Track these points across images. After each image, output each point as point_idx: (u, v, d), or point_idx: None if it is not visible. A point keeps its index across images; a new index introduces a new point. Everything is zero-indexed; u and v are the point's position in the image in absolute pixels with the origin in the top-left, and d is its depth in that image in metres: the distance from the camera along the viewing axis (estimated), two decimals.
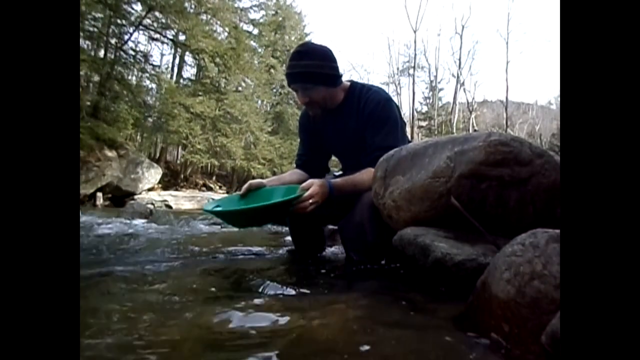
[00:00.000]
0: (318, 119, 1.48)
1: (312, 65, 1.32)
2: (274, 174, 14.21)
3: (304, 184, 1.25)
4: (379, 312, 0.73)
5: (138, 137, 13.96)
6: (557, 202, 0.92)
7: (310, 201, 1.20)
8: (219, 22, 11.97)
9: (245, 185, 1.38)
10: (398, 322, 0.65)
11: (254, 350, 0.53)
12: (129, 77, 10.45)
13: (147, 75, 11.14)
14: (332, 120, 1.47)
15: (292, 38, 17.59)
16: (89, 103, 8.46)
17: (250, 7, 15.18)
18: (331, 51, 1.40)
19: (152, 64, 11.47)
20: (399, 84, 23.64)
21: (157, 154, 14.15)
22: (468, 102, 21.75)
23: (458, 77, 21.38)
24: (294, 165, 1.66)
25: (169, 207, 8.77)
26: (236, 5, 13.98)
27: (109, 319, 0.65)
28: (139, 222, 3.28)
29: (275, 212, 1.22)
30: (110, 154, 8.37)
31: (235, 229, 2.96)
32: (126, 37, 9.66)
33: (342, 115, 1.44)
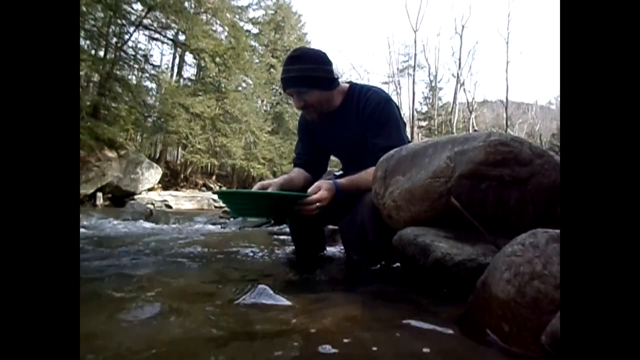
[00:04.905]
0: (316, 123, 1.48)
1: (305, 69, 1.32)
2: (274, 173, 14.21)
3: (311, 188, 1.25)
4: (379, 313, 0.73)
5: (138, 137, 13.96)
6: (557, 202, 0.92)
7: (317, 204, 1.21)
8: (218, 22, 11.98)
9: (257, 185, 1.37)
10: (398, 323, 0.65)
11: (254, 350, 0.53)
12: (129, 77, 10.46)
13: (147, 75, 11.16)
14: (332, 122, 1.46)
15: (292, 37, 17.62)
16: (89, 103, 8.46)
17: (249, 6, 15.19)
18: (326, 55, 1.39)
19: (152, 64, 11.50)
20: (398, 84, 23.68)
21: (157, 154, 14.16)
22: (468, 102, 21.74)
23: (458, 77, 21.39)
24: (293, 164, 1.64)
25: (169, 207, 8.77)
26: (235, 4, 13.99)
27: (109, 321, 0.65)
28: (139, 222, 3.28)
29: (280, 206, 1.23)
30: (110, 154, 8.38)
31: (235, 230, 2.96)
32: (126, 37, 9.67)
33: (342, 117, 1.44)
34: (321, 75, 1.34)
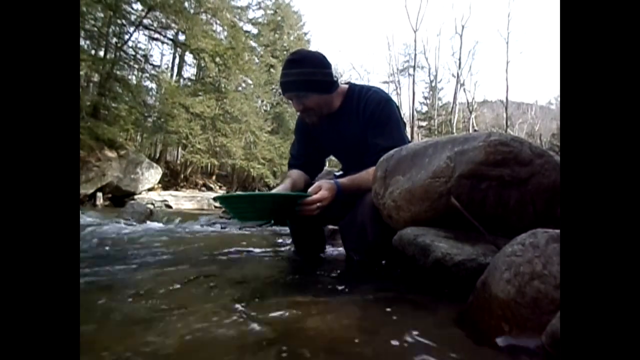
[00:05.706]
0: (316, 125, 1.47)
1: (304, 73, 1.31)
2: (274, 173, 14.19)
3: (311, 188, 1.25)
4: (378, 313, 0.73)
5: (138, 137, 13.94)
6: (557, 202, 0.92)
7: (318, 204, 1.20)
8: (218, 22, 11.96)
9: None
10: (398, 323, 0.65)
11: (254, 350, 0.53)
12: (129, 77, 10.44)
13: (147, 75, 11.15)
14: (332, 123, 1.46)
15: (292, 38, 17.60)
16: (89, 103, 8.44)
17: (249, 6, 15.18)
18: (325, 57, 1.39)
19: (152, 64, 11.49)
20: (398, 84, 23.67)
21: (157, 154, 14.15)
22: (468, 102, 21.71)
23: (458, 77, 21.37)
24: (289, 165, 1.62)
25: (169, 207, 8.76)
26: (235, 4, 13.99)
27: (110, 321, 0.65)
28: (139, 222, 3.28)
29: (282, 206, 1.23)
30: (110, 154, 8.37)
31: (235, 230, 2.96)
32: (126, 37, 9.66)
33: (342, 118, 1.44)
34: (320, 79, 1.34)
